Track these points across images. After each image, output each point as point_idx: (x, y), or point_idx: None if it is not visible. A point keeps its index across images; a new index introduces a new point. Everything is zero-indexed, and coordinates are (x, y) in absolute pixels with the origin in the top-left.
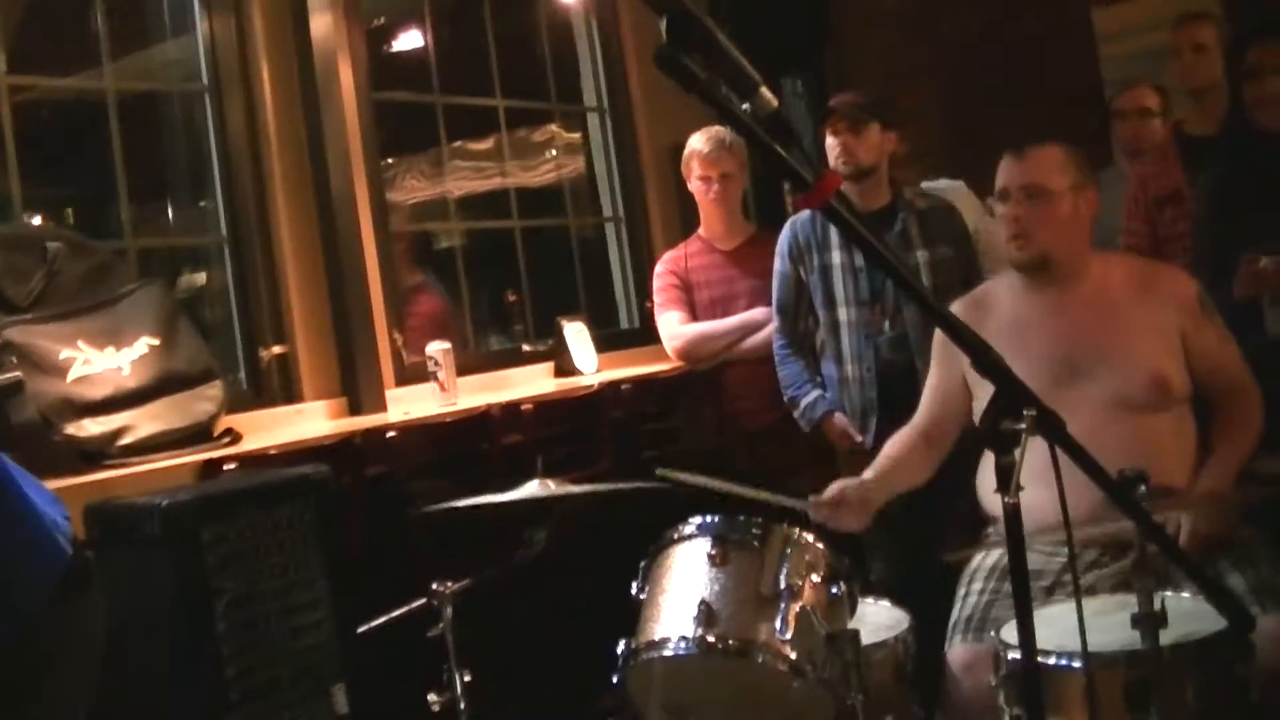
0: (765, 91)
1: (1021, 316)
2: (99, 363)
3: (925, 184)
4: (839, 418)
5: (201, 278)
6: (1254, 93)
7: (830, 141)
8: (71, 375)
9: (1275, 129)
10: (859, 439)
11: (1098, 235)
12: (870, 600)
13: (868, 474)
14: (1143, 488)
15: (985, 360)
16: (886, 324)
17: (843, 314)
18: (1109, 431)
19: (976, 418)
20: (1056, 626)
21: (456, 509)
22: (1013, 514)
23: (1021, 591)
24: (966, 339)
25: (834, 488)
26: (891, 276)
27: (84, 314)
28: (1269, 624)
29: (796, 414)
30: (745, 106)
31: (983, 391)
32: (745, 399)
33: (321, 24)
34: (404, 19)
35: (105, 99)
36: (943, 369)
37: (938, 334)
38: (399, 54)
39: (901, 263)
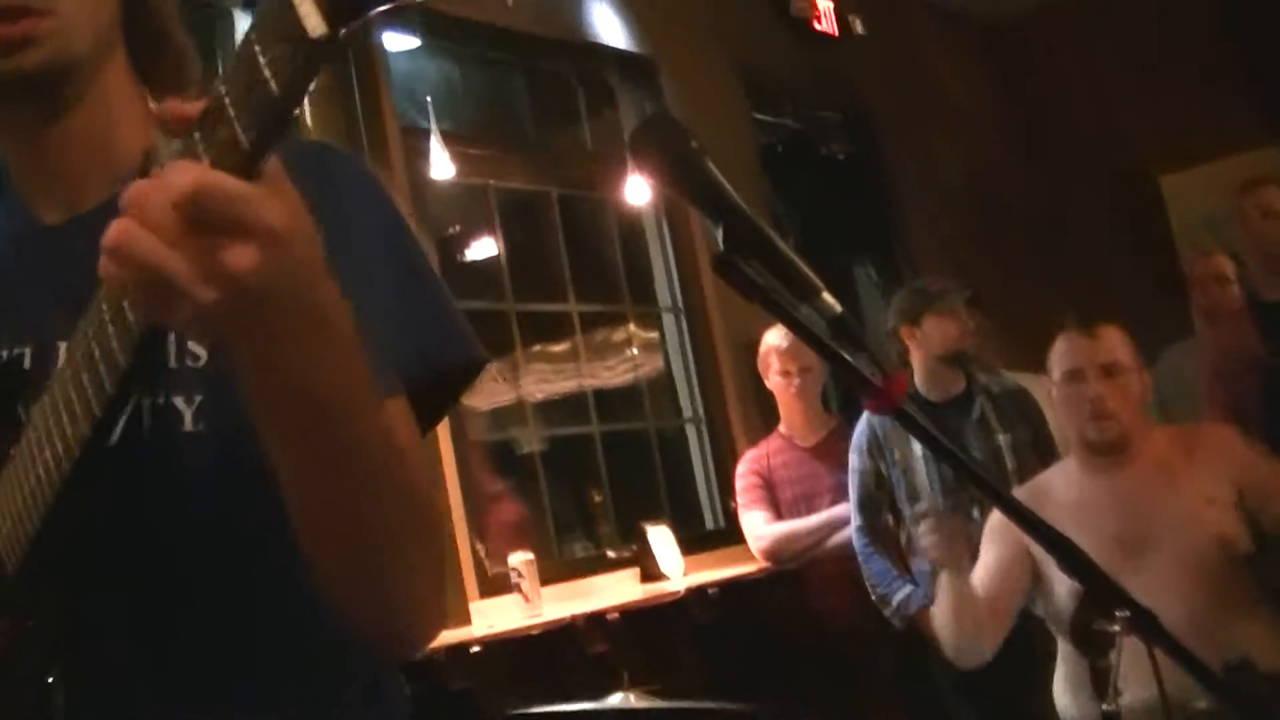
0: (827, 296)
1: (1081, 500)
2: None
3: None
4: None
5: None
6: None
7: (954, 327)
8: None
9: None
10: None
11: (1183, 404)
12: None
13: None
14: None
15: (1072, 559)
16: (976, 510)
17: (929, 505)
18: (1184, 605)
19: (1044, 600)
20: None
21: None
22: None
23: None
24: (1050, 536)
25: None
26: (972, 481)
27: None
28: None
29: (887, 612)
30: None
31: (1055, 571)
32: (833, 597)
33: None
34: (476, 228)
35: None
36: (1000, 546)
37: (994, 512)
38: (472, 263)
39: (975, 461)
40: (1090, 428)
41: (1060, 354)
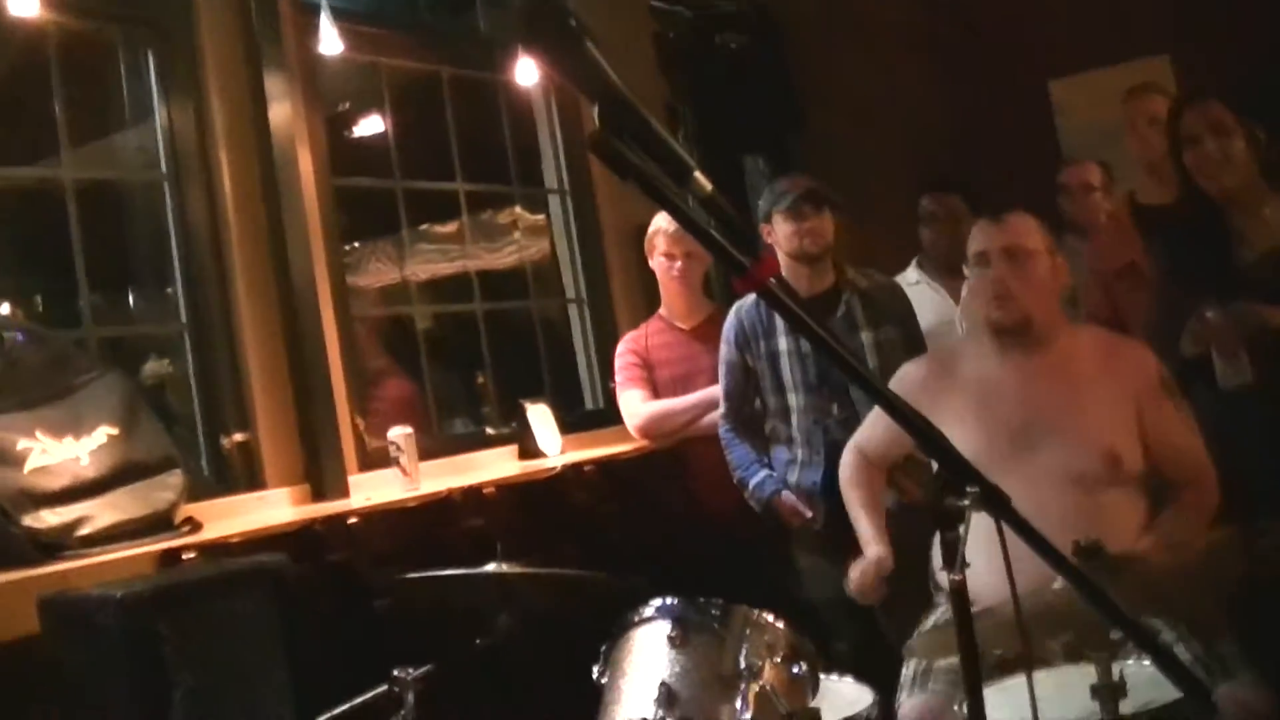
0: (699, 176)
1: (986, 378)
2: (57, 453)
3: None
4: (787, 495)
5: (167, 364)
6: (1192, 158)
7: (791, 227)
8: (29, 466)
9: (1215, 192)
10: (808, 514)
11: None
12: (835, 677)
13: (880, 550)
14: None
15: (927, 439)
16: (835, 407)
17: (792, 399)
18: (1060, 503)
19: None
20: (1017, 699)
21: (418, 596)
22: (959, 590)
23: (971, 669)
24: (909, 418)
25: (867, 575)
26: (833, 360)
27: (42, 404)
28: (1231, 693)
29: (747, 495)
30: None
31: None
32: (708, 477)
33: (281, 111)
34: (365, 105)
35: (64, 187)
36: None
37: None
38: (360, 140)
39: (843, 345)
40: (992, 308)
41: (970, 239)
